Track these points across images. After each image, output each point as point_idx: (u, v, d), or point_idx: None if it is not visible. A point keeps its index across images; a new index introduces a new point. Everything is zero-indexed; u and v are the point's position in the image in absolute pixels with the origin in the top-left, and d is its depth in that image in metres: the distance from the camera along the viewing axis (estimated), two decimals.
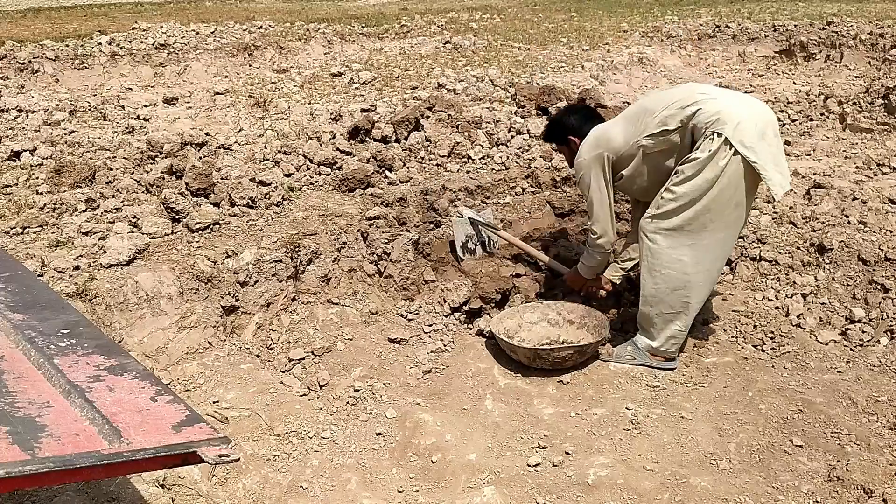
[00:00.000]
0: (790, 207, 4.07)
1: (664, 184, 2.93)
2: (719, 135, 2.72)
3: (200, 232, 3.57)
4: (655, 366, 3.12)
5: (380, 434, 2.74)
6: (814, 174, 4.47)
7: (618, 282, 3.49)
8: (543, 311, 3.45)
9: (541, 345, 3.27)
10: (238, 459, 1.27)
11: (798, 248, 3.73)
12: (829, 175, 4.45)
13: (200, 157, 4.57)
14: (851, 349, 3.13)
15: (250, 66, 9.18)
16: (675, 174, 2.86)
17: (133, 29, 10.57)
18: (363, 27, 11.63)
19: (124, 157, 4.53)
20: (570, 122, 3.28)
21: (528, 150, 4.91)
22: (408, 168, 4.60)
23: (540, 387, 3.04)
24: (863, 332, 3.18)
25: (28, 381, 1.44)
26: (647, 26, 11.27)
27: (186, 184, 3.94)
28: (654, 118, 2.91)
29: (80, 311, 2.47)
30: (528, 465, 2.55)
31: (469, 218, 3.85)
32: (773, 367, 3.09)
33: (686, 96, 2.88)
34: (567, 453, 2.61)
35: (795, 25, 10.05)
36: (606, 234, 3.19)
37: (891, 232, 3.63)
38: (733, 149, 2.71)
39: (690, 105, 2.83)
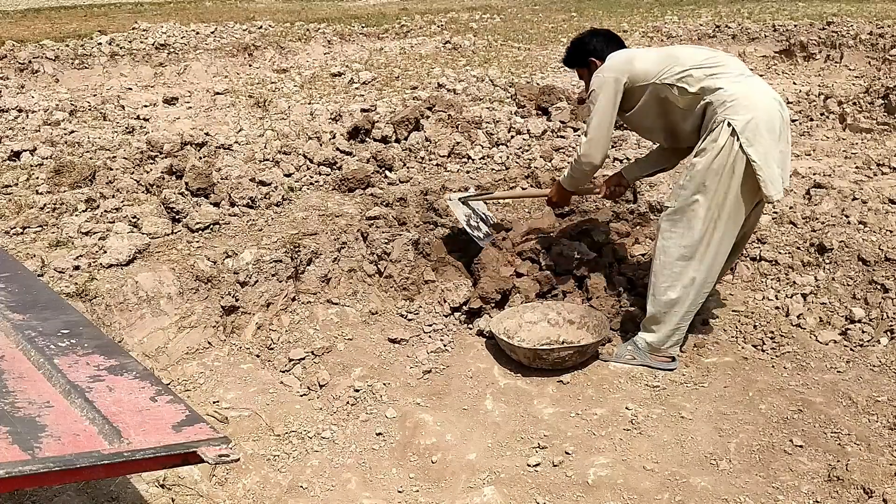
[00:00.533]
0: (790, 207, 4.07)
1: (661, 130, 3.04)
2: (729, 125, 2.73)
3: (200, 232, 3.57)
4: (656, 366, 3.12)
5: (380, 434, 2.74)
6: (814, 174, 4.47)
7: (630, 181, 3.46)
8: (543, 311, 3.45)
9: (541, 345, 3.27)
10: (238, 459, 1.27)
11: (798, 248, 3.73)
12: (829, 175, 4.45)
13: (200, 157, 4.57)
14: (851, 349, 3.13)
15: (250, 66, 9.19)
16: (688, 167, 2.89)
17: (133, 29, 10.58)
18: (363, 27, 11.63)
19: (124, 157, 4.54)
20: (594, 44, 3.20)
21: (528, 150, 4.91)
22: (408, 168, 4.61)
23: (540, 387, 3.04)
24: (863, 332, 3.18)
25: (28, 381, 1.44)
26: (647, 26, 11.28)
27: (186, 184, 3.94)
28: (682, 69, 2.87)
29: (80, 311, 2.46)
30: (528, 465, 2.55)
31: (458, 199, 3.83)
32: (773, 367, 3.09)
33: (718, 67, 2.85)
34: (567, 453, 2.61)
35: (795, 25, 10.05)
36: (593, 157, 3.07)
37: (891, 232, 3.63)
38: (740, 142, 2.72)
39: (717, 77, 2.81)
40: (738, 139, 2.71)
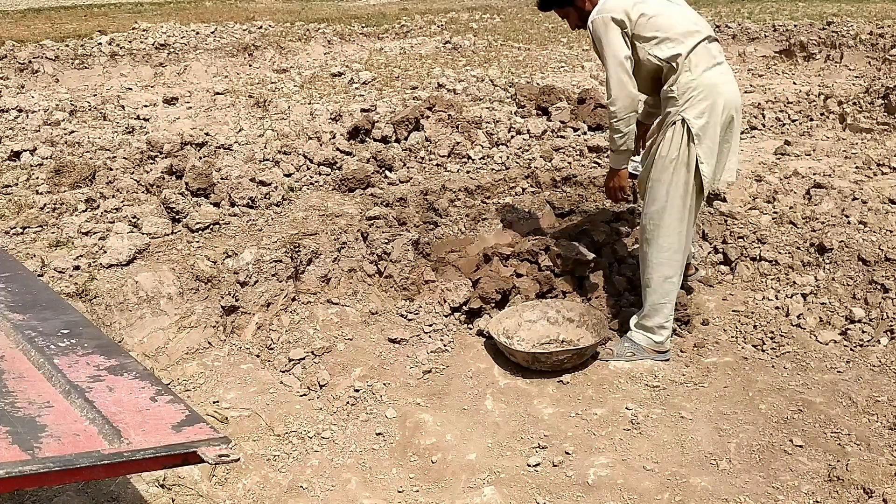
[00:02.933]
0: (790, 207, 4.07)
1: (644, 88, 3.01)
2: (683, 122, 2.86)
3: (200, 232, 3.57)
4: (654, 358, 3.15)
5: (380, 434, 2.74)
6: (814, 174, 4.47)
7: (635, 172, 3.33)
8: (543, 310, 3.45)
9: (540, 344, 3.27)
10: (238, 459, 1.27)
11: (798, 248, 3.73)
12: (829, 175, 4.44)
13: (200, 157, 4.57)
14: (851, 349, 3.13)
15: (250, 66, 9.19)
16: (652, 159, 2.98)
17: (133, 29, 10.58)
18: (363, 27, 11.63)
19: (124, 157, 4.53)
20: None
21: (528, 150, 4.91)
22: (408, 168, 4.60)
23: (540, 387, 3.04)
24: (863, 332, 3.18)
25: (28, 381, 1.44)
26: None
27: (186, 184, 3.94)
28: (662, 35, 2.83)
29: (80, 311, 2.46)
30: (528, 465, 2.55)
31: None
32: (773, 367, 3.09)
33: (691, 45, 2.84)
34: (567, 453, 2.61)
35: (795, 25, 10.05)
36: (620, 99, 2.85)
37: (891, 232, 3.63)
38: (691, 135, 2.86)
39: (687, 57, 2.84)
40: (691, 138, 2.86)
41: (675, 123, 2.89)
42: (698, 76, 2.85)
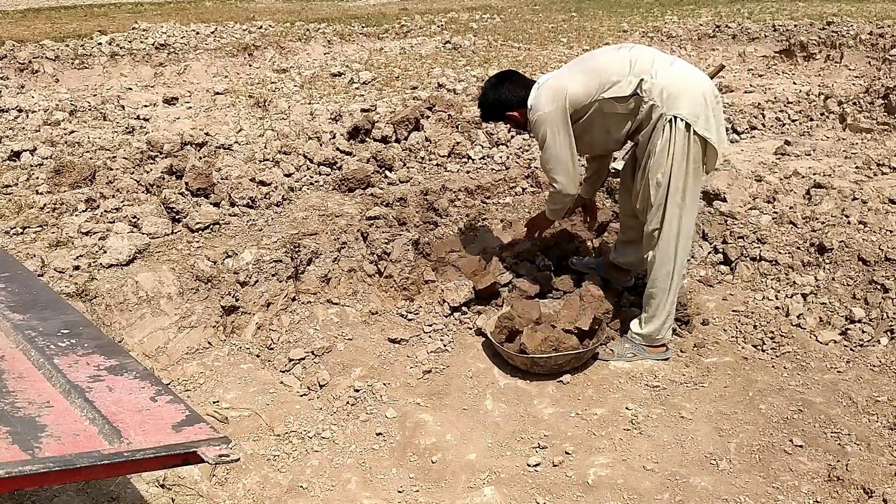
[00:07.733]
0: (790, 207, 4.07)
1: (606, 142, 3.09)
2: (678, 118, 2.82)
3: (200, 232, 3.57)
4: (654, 357, 3.14)
5: (380, 434, 2.74)
6: (814, 174, 4.47)
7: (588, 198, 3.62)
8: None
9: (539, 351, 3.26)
10: (238, 459, 1.27)
11: (798, 248, 3.73)
12: (829, 175, 4.44)
13: (200, 157, 4.57)
14: (851, 349, 3.13)
15: (250, 66, 9.19)
16: (650, 164, 2.93)
17: (133, 29, 10.58)
18: (363, 27, 11.63)
19: (124, 157, 4.54)
20: (520, 84, 3.18)
21: (528, 150, 4.91)
22: (408, 168, 4.61)
23: (540, 387, 3.04)
24: (863, 332, 3.18)
25: (28, 381, 1.44)
26: (647, 26, 11.28)
27: (186, 184, 3.94)
28: (614, 81, 2.92)
29: (80, 311, 2.47)
30: (528, 465, 2.55)
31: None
32: (773, 367, 3.09)
33: (639, 64, 2.91)
34: (567, 453, 2.61)
35: (795, 25, 10.05)
36: (569, 187, 3.11)
37: (891, 232, 3.62)
38: (692, 129, 2.83)
39: (644, 78, 2.88)
40: (691, 129, 2.82)
41: (664, 127, 2.87)
42: (663, 76, 2.88)
